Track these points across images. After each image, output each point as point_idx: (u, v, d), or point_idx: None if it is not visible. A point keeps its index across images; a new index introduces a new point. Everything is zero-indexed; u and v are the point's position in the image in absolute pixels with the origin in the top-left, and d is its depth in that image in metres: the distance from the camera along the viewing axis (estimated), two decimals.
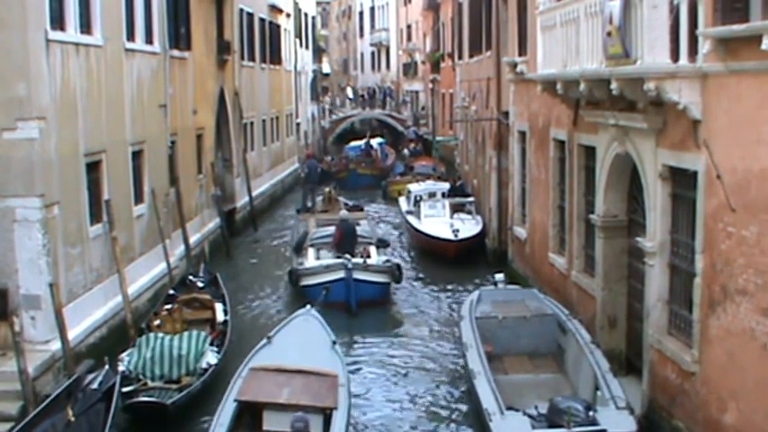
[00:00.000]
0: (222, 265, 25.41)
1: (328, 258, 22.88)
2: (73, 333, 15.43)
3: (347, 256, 21.84)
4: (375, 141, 50.56)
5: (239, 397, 13.29)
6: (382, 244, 24.94)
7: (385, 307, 22.13)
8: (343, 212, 25.78)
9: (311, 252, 23.97)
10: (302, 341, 15.30)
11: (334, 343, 15.35)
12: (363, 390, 16.38)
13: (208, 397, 15.44)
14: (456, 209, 28.62)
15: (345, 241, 23.04)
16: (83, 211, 16.72)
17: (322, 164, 42.07)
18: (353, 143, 51.68)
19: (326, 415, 12.93)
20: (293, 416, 11.69)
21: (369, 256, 22.91)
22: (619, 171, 15.09)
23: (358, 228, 24.85)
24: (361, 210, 31.55)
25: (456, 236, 25.76)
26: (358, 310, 20.97)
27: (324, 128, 62.96)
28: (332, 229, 24.23)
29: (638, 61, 11.95)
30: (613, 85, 12.71)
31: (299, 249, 24.57)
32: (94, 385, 13.68)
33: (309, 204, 33.95)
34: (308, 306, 17.01)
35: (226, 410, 13.00)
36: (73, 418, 12.76)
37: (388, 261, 22.87)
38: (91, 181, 17.12)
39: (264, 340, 15.36)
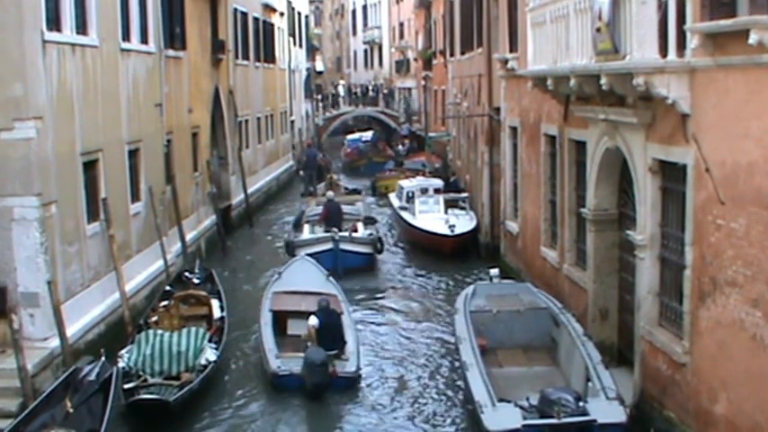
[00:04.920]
0: (218, 262, 25.62)
1: (320, 232, 26.05)
2: (71, 330, 15.53)
3: (334, 229, 24.98)
4: (369, 134, 54.92)
5: (272, 308, 18.17)
6: (370, 221, 28.41)
7: (373, 278, 24.75)
8: (330, 193, 29.18)
9: (306, 227, 27.53)
10: (303, 275, 20.19)
11: (327, 276, 20.42)
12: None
13: (208, 393, 15.61)
14: (449, 204, 28.77)
15: (332, 218, 26.48)
16: (80, 210, 16.82)
17: (319, 161, 42.90)
18: (352, 136, 55.92)
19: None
20: (318, 298, 17.24)
21: (356, 231, 26.20)
22: (609, 165, 15.21)
23: (351, 207, 29.57)
24: (359, 193, 36.61)
25: (452, 231, 25.92)
26: (345, 276, 22.98)
27: (318, 125, 63.11)
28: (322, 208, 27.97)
29: (627, 57, 12.05)
30: (603, 81, 12.83)
31: (298, 225, 28.31)
32: (91, 377, 13.80)
33: (312, 189, 37.39)
34: (302, 253, 22.57)
35: (265, 318, 17.82)
36: (71, 410, 12.95)
37: (371, 234, 26.07)
38: (88, 180, 17.21)
39: (276, 275, 20.45)
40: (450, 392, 15.95)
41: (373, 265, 25.66)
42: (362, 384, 16.38)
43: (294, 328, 17.79)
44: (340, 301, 18.73)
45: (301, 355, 15.82)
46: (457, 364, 16.28)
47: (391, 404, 15.61)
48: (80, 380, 13.79)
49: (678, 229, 12.32)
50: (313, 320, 16.29)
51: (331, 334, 16.36)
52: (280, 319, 17.99)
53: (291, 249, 24.63)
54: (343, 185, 38.77)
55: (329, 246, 24.36)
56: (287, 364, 15.83)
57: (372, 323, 20.38)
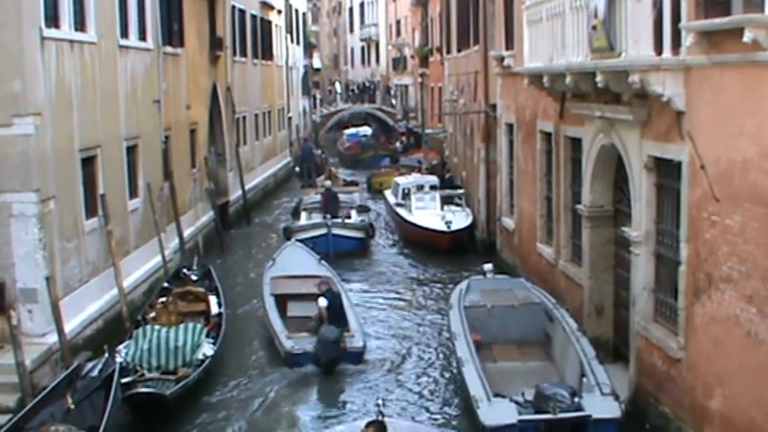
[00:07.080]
0: (216, 258, 25.68)
1: (316, 219, 27.98)
2: (69, 326, 15.55)
3: (328, 216, 26.97)
4: (368, 129, 57.03)
5: (273, 292, 19.12)
6: (363, 209, 30.65)
7: (370, 275, 25.07)
8: (327, 182, 31.61)
9: (304, 214, 29.60)
10: (296, 260, 21.38)
11: (319, 260, 21.64)
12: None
13: (205, 388, 15.65)
14: (445, 201, 28.82)
15: (329, 205, 28.38)
16: (78, 206, 16.85)
17: (316, 158, 43.23)
18: (349, 131, 57.87)
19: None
20: (318, 279, 18.41)
21: (349, 218, 28.22)
22: (604, 162, 15.23)
23: (347, 196, 31.56)
24: (357, 184, 38.55)
25: (449, 227, 25.97)
26: (342, 268, 23.50)
27: (315, 122, 63.21)
28: (319, 197, 29.99)
29: (622, 54, 12.09)
30: (598, 78, 12.86)
31: (296, 213, 30.55)
32: (94, 373, 13.84)
33: (311, 181, 39.34)
34: (293, 239, 24.18)
35: (269, 302, 18.66)
36: (72, 406, 12.93)
37: (363, 220, 28.52)
38: (86, 176, 17.24)
39: (271, 262, 21.45)
40: (445, 382, 16.16)
41: (365, 250, 27.51)
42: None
43: (294, 310, 18.97)
44: (336, 283, 19.81)
45: (306, 334, 17.13)
46: (450, 353, 16.50)
47: (389, 383, 16.27)
48: (82, 376, 13.83)
49: (673, 225, 12.35)
50: (323, 302, 17.30)
51: (335, 313, 17.40)
52: (280, 303, 18.85)
53: (289, 235, 26.08)
54: (342, 177, 40.61)
55: (323, 231, 26.24)
56: (299, 343, 16.83)
57: (370, 321, 20.42)
